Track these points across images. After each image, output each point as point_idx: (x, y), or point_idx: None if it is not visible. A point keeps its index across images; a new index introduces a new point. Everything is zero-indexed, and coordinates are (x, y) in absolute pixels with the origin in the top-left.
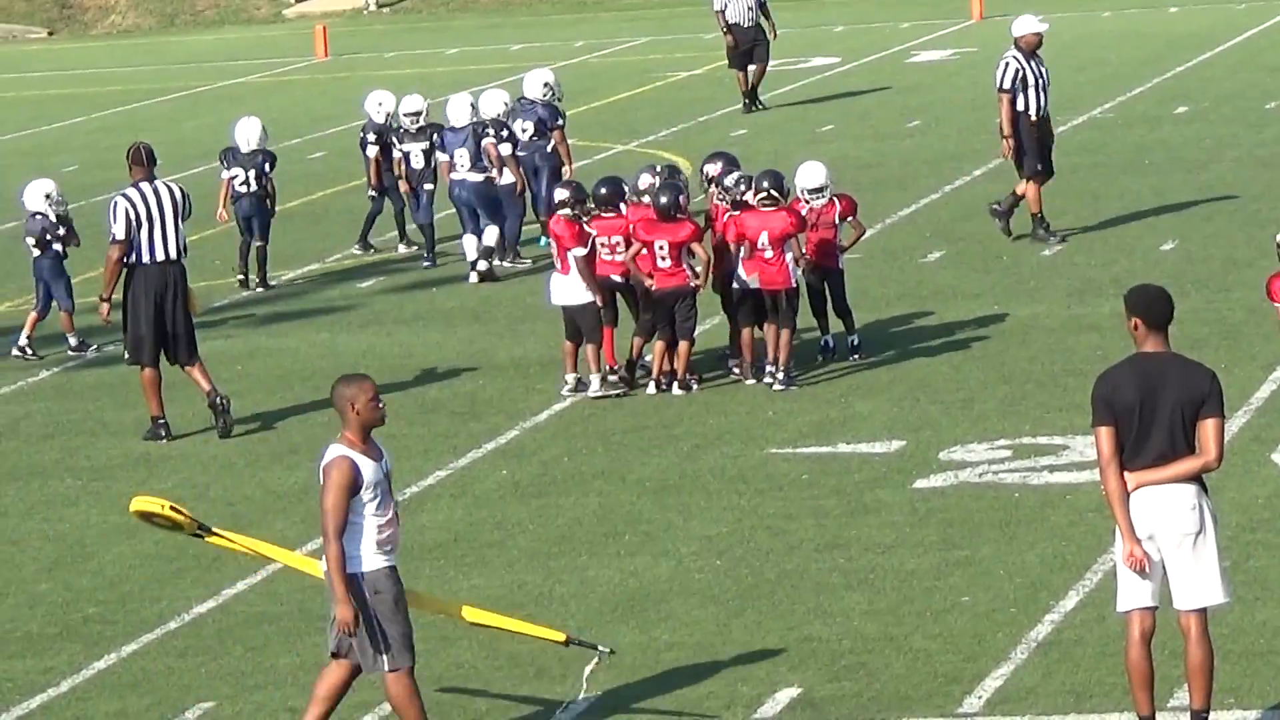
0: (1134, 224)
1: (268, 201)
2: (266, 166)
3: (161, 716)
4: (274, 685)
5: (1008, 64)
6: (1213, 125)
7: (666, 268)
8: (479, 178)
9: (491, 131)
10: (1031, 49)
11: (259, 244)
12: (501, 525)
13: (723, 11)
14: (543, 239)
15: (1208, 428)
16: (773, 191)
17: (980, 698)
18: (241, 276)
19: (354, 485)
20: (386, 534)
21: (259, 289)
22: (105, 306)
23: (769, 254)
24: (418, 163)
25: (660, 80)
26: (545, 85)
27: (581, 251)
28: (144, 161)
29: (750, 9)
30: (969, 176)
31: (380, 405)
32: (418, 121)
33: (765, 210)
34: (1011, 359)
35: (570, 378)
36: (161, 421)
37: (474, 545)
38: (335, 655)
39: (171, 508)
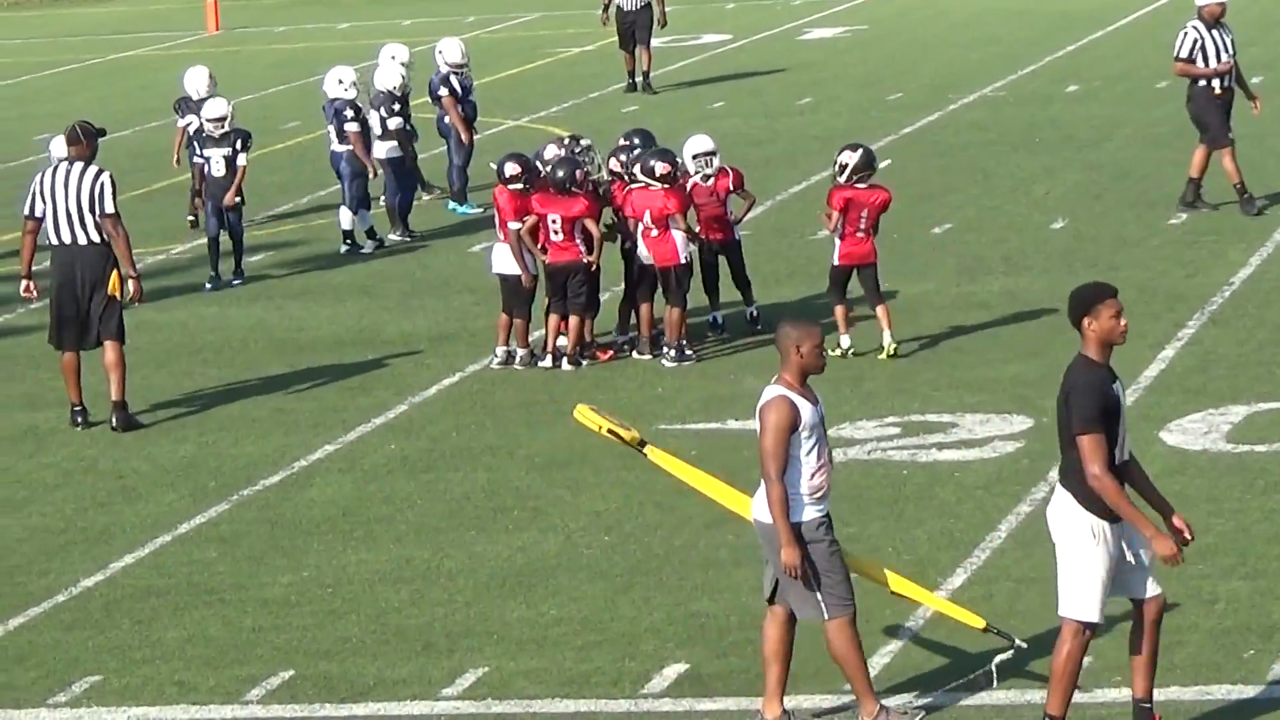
0: (1024, 202)
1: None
2: None
3: (48, 690)
4: (161, 659)
5: (1186, 33)
6: (1103, 104)
7: (559, 241)
8: (344, 149)
9: (350, 113)
10: (1214, 18)
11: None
12: (390, 500)
13: None
14: (454, 205)
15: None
16: (640, 173)
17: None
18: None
19: (793, 425)
20: (819, 480)
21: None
22: (24, 282)
23: (654, 231)
24: (218, 170)
25: (550, 56)
26: (441, 54)
27: (518, 225)
28: (76, 140)
29: None
30: None
31: (825, 354)
32: (221, 127)
33: (651, 188)
34: (901, 336)
35: (500, 350)
36: (78, 409)
37: (362, 520)
38: (770, 601)
39: (609, 430)
